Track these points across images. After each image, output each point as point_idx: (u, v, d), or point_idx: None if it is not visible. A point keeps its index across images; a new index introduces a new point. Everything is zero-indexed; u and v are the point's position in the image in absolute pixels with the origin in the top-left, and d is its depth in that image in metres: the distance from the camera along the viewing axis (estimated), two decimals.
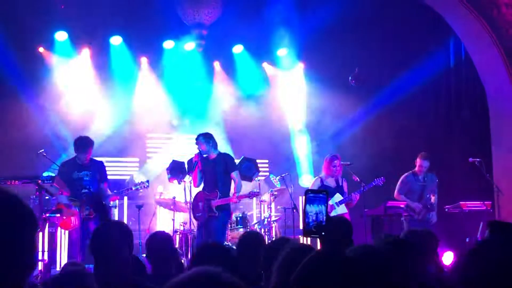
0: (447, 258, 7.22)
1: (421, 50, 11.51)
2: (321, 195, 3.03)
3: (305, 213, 2.97)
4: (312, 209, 2.96)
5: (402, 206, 8.68)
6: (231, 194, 8.50)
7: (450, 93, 11.63)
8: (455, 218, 9.51)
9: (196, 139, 8.47)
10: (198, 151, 8.40)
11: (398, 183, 9.33)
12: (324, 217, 2.95)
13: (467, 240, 8.75)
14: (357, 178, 9.07)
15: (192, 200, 8.49)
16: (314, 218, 2.95)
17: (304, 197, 3.03)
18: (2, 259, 1.66)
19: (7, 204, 1.74)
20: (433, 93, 11.87)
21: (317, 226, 2.93)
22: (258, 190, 9.28)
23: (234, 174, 8.54)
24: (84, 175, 8.07)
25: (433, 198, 9.06)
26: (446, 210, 9.64)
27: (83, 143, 8.19)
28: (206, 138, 8.43)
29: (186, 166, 9.09)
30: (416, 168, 9.33)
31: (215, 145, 8.52)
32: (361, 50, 11.73)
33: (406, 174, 9.38)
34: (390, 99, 11.69)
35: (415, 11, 10.96)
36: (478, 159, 9.31)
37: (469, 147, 10.66)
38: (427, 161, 9.26)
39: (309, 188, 9.11)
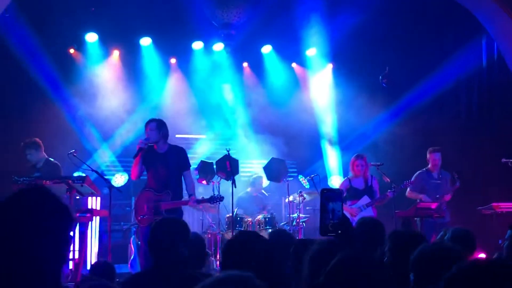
0: None
1: (453, 50, 11.33)
2: (336, 192, 3.06)
3: (322, 212, 2.98)
4: (329, 207, 2.97)
5: (433, 207, 8.53)
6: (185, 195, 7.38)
7: (482, 92, 11.43)
8: (488, 220, 9.34)
9: (148, 123, 7.28)
10: (146, 136, 7.20)
11: (411, 180, 9.21)
12: (341, 214, 2.95)
13: (499, 242, 8.56)
14: (388, 179, 8.97)
15: (137, 198, 7.36)
16: (331, 216, 2.96)
17: (320, 196, 3.02)
18: (44, 250, 1.82)
19: (46, 201, 1.86)
20: (465, 93, 11.68)
21: (334, 225, 2.93)
22: (219, 194, 7.87)
23: (186, 173, 7.35)
24: (36, 177, 7.62)
25: (446, 198, 8.92)
26: (479, 211, 9.48)
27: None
28: (159, 125, 7.26)
29: (215, 166, 9.10)
30: (430, 165, 9.21)
31: (166, 136, 7.34)
32: (391, 50, 11.61)
33: (419, 171, 9.26)
34: (421, 99, 11.54)
35: (447, 10, 10.79)
36: (510, 160, 9.15)
37: (501, 147, 10.46)
38: (439, 153, 9.15)
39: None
